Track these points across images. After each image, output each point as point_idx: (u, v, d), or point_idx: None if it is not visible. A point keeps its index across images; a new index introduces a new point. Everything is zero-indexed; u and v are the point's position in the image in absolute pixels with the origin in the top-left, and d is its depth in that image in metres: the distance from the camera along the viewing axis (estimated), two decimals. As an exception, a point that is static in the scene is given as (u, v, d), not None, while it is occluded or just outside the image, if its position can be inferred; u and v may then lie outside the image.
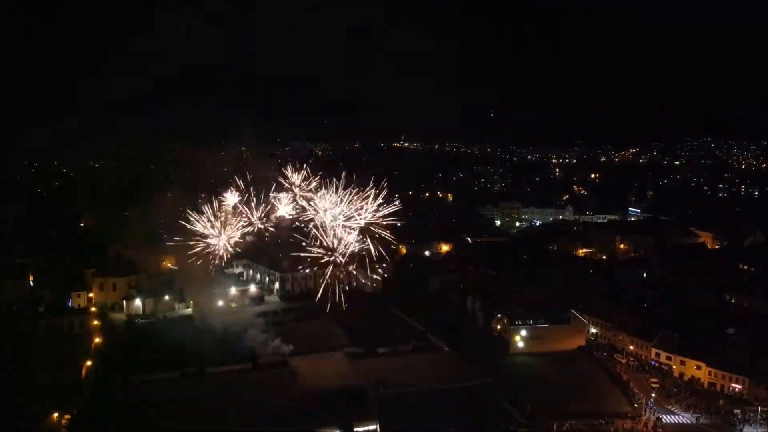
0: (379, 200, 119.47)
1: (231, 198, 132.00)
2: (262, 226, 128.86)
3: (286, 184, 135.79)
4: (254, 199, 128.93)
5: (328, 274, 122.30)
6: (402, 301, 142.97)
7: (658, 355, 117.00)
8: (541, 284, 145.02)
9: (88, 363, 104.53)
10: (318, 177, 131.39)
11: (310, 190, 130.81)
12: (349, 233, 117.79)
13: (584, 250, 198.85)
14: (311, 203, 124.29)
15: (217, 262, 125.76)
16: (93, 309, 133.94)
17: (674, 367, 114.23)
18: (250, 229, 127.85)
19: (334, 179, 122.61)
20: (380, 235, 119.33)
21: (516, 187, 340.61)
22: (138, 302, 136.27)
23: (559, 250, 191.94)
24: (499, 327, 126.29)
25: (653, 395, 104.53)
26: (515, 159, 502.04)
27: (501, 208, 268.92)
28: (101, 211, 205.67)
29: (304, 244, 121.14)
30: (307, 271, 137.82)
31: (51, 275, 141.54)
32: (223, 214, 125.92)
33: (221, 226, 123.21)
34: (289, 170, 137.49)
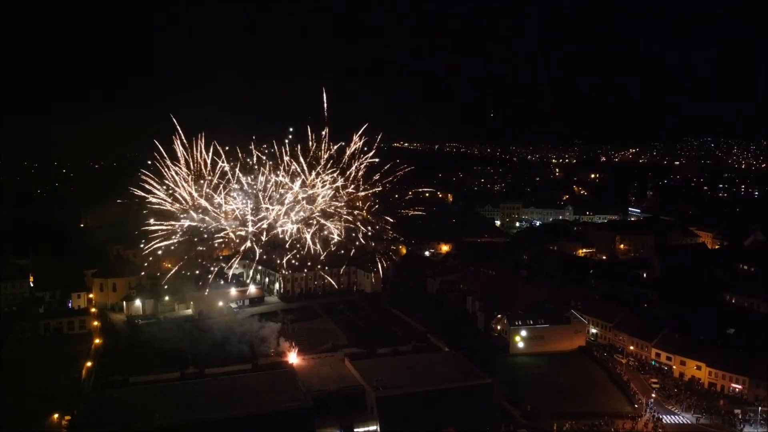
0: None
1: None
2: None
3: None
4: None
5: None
6: (402, 301, 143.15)
7: (658, 355, 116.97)
8: (541, 284, 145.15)
9: (88, 364, 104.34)
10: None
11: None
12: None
13: (584, 250, 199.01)
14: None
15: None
16: (93, 310, 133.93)
17: (674, 367, 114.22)
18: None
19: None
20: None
21: (516, 187, 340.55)
22: (138, 303, 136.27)
23: (559, 250, 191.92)
24: (499, 327, 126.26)
25: (653, 395, 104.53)
26: (515, 159, 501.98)
27: (501, 208, 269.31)
28: (101, 211, 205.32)
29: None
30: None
31: (51, 276, 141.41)
32: None
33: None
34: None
